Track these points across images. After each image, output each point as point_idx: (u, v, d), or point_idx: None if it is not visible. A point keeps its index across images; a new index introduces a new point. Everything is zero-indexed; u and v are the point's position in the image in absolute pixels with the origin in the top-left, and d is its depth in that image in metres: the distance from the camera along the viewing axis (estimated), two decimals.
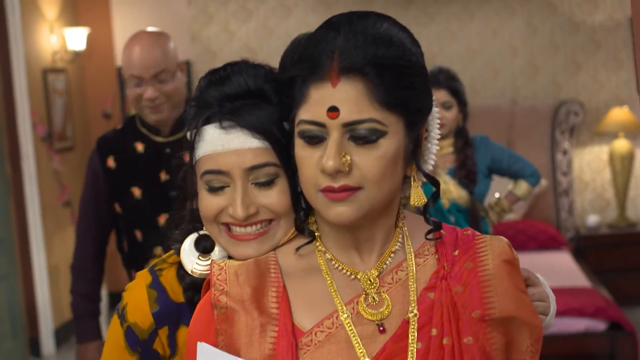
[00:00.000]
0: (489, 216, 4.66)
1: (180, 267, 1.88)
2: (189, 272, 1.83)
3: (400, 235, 1.64)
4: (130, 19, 8.17)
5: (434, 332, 1.54)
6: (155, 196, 3.47)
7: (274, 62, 1.73)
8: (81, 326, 3.67)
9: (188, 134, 1.75)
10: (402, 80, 1.51)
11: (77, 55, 8.19)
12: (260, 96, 1.68)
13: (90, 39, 8.20)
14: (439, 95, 4.48)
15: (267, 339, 1.55)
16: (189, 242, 1.84)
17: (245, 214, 1.67)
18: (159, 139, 3.49)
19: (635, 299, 7.27)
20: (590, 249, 7.47)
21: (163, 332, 1.92)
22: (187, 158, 3.39)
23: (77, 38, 8.00)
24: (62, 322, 7.59)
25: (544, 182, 7.40)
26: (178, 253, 1.87)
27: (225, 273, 1.61)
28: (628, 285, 7.29)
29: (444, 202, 4.40)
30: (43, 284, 7.36)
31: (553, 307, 1.77)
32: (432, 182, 1.63)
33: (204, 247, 1.82)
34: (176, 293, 1.92)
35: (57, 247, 7.63)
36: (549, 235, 7.18)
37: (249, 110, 1.67)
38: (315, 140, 1.52)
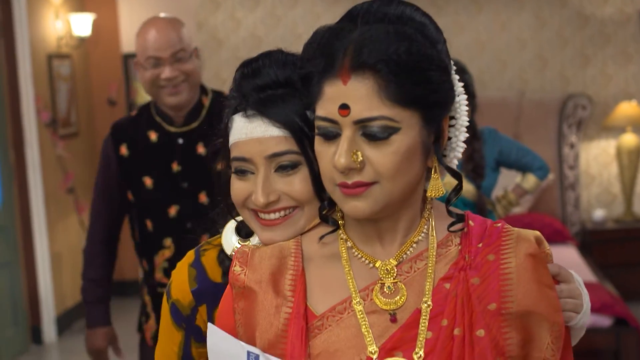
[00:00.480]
0: (496, 210, 4.62)
1: (222, 250, 1.97)
2: (229, 255, 1.92)
3: (426, 226, 1.63)
4: (136, 5, 8.13)
5: (445, 322, 1.53)
6: (166, 187, 3.45)
7: None
8: (90, 311, 3.67)
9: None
10: (417, 75, 1.49)
11: (82, 41, 8.16)
12: (288, 86, 1.72)
13: (95, 25, 8.16)
14: None
15: (281, 320, 1.57)
16: (230, 227, 1.93)
17: (265, 200, 1.71)
18: (172, 129, 3.47)
19: None
20: (596, 243, 7.44)
21: (203, 310, 2.00)
22: (200, 149, 3.42)
23: (82, 24, 7.97)
24: (64, 309, 7.57)
25: (551, 176, 7.36)
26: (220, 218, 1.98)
27: (247, 256, 1.65)
28: (634, 280, 7.25)
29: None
30: (45, 272, 7.34)
31: (586, 305, 1.71)
32: (453, 174, 1.62)
33: (246, 232, 1.90)
34: (215, 273, 1.99)
35: (60, 234, 7.60)
36: (555, 229, 7.14)
37: (273, 101, 1.72)
38: (330, 135, 1.53)
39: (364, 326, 1.54)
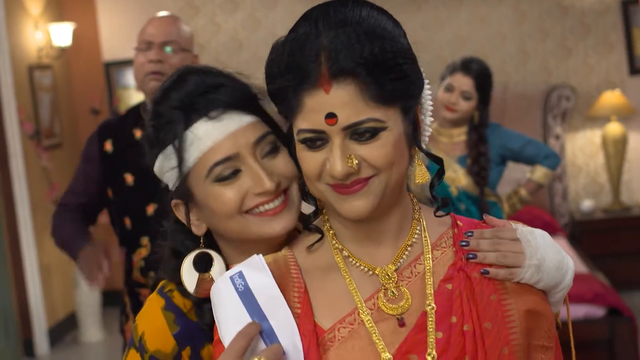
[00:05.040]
0: (503, 207, 4.56)
1: (179, 284, 1.84)
2: (192, 293, 1.81)
3: (418, 228, 1.65)
4: (116, 13, 8.10)
5: (454, 319, 1.55)
6: (146, 184, 3.40)
7: (262, 53, 1.71)
8: (75, 247, 3.50)
9: (171, 148, 1.78)
10: (393, 72, 1.50)
11: (63, 51, 8.12)
12: (218, 85, 1.73)
13: (75, 34, 8.12)
14: (463, 82, 4.40)
15: None
16: (187, 263, 1.82)
17: (272, 186, 1.70)
18: None
19: (631, 284, 7.26)
20: (585, 234, 7.45)
21: (186, 353, 1.82)
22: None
23: (62, 33, 7.93)
24: (56, 321, 7.53)
25: None
26: (165, 277, 1.87)
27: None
28: (624, 270, 7.26)
29: (453, 190, 4.33)
30: (35, 284, 7.30)
31: (537, 260, 1.62)
32: (433, 159, 1.63)
33: (204, 266, 1.81)
34: (191, 312, 1.85)
35: (48, 245, 7.55)
36: (544, 221, 7.14)
37: (222, 94, 1.72)
38: (317, 144, 1.53)
39: (374, 335, 1.55)
